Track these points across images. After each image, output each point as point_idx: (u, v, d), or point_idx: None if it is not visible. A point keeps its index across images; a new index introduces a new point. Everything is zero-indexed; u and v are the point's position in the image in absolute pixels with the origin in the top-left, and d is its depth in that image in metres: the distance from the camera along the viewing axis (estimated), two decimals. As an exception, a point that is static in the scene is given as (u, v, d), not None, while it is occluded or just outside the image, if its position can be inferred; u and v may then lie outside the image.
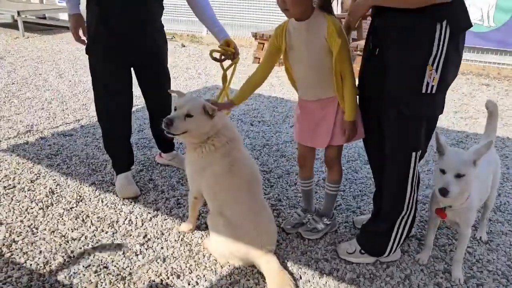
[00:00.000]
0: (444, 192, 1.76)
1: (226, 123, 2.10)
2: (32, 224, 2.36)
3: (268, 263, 1.95)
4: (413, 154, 1.85)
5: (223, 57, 2.50)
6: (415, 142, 1.84)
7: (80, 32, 2.57)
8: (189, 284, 1.94)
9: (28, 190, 2.71)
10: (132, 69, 2.64)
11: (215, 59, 2.48)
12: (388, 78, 1.79)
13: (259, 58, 6.50)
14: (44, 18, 10.87)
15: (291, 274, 1.99)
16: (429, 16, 1.64)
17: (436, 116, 1.90)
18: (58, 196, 2.65)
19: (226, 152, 2.03)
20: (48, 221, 2.39)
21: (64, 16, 10.66)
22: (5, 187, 2.74)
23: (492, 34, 5.70)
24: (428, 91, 1.72)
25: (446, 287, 1.94)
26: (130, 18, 2.41)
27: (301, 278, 1.99)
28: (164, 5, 2.62)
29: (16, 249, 2.16)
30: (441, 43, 1.66)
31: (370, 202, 2.63)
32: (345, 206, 2.60)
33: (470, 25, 1.73)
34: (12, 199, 2.60)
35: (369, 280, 1.98)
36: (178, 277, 1.98)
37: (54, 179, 2.86)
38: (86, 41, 2.54)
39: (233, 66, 2.48)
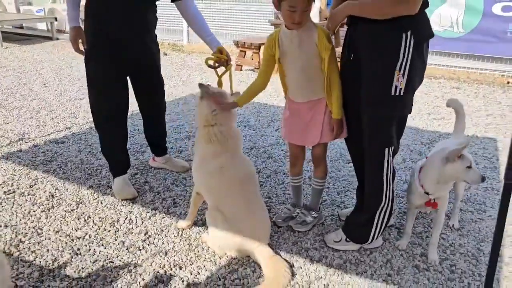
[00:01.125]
0: (484, 178, 2.00)
1: (231, 126, 2.29)
2: (36, 225, 2.48)
3: (263, 253, 2.13)
4: (386, 150, 2.05)
5: (217, 64, 2.68)
6: (387, 139, 2.05)
7: (80, 44, 2.70)
8: (191, 274, 2.10)
9: (28, 195, 2.82)
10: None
11: (210, 66, 2.66)
12: (362, 82, 2.02)
13: (241, 66, 6.71)
14: (21, 27, 10.84)
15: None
16: (395, 27, 1.86)
17: (405, 115, 2.13)
18: (58, 199, 2.78)
19: (219, 151, 2.22)
20: (52, 222, 2.51)
21: (42, 26, 10.65)
22: (5, 192, 2.84)
23: (462, 39, 6.06)
24: (397, 94, 1.93)
25: (423, 268, 2.16)
26: (128, 28, 2.57)
27: (293, 265, 2.17)
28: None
29: (24, 248, 2.28)
30: (406, 51, 1.87)
31: (353, 197, 2.85)
32: (330, 201, 2.81)
33: (432, 35, 1.96)
34: (13, 203, 2.71)
35: (354, 265, 2.18)
36: (180, 268, 2.14)
37: (52, 184, 2.97)
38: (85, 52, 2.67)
39: (228, 72, 2.65)
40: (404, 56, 1.88)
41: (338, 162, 3.43)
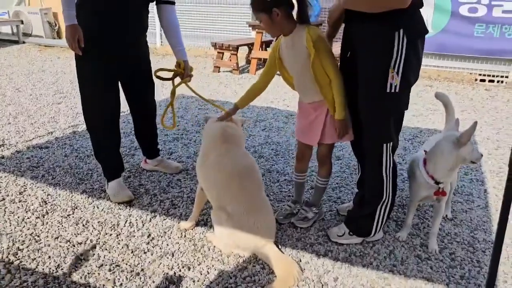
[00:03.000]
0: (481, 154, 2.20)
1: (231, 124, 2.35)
2: (33, 232, 2.41)
3: (271, 250, 2.15)
4: (385, 146, 2.12)
5: (171, 76, 2.80)
6: (385, 135, 2.11)
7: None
8: (201, 274, 2.09)
9: (19, 201, 2.73)
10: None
11: (157, 77, 2.75)
12: (358, 79, 2.07)
13: (219, 67, 6.71)
14: (-16, 31, 10.43)
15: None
16: (388, 25, 1.90)
17: (402, 111, 2.20)
18: (51, 205, 2.70)
19: (219, 144, 2.27)
20: (49, 229, 2.44)
21: (5, 29, 10.27)
22: (-6, 200, 2.75)
23: (432, 39, 6.27)
24: (392, 91, 1.98)
25: (425, 258, 2.24)
26: (125, 30, 2.54)
27: (300, 260, 2.21)
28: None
29: (24, 256, 2.20)
30: (400, 48, 1.92)
31: (348, 192, 2.92)
32: (327, 197, 2.87)
33: (426, 31, 2.02)
34: (5, 211, 2.62)
35: (360, 258, 2.24)
36: (189, 269, 2.13)
37: (43, 190, 2.89)
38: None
39: (186, 85, 2.80)
40: (397, 54, 1.92)
41: (328, 159, 3.49)
